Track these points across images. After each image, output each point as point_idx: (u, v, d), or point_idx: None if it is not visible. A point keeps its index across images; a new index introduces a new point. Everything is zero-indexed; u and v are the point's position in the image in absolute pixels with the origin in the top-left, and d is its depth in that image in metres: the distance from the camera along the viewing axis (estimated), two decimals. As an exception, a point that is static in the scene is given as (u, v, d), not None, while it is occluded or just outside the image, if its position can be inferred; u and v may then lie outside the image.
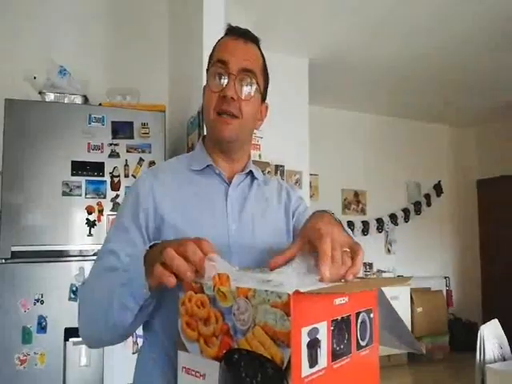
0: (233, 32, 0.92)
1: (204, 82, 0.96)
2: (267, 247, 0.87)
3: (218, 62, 0.88)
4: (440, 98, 4.99)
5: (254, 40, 0.94)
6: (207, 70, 0.95)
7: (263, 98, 0.96)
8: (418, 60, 3.99)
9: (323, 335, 0.48)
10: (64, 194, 2.09)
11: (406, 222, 5.61)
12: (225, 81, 0.87)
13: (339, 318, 0.52)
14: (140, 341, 2.08)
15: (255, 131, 1.02)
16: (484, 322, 1.99)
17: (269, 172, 3.59)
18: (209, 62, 0.94)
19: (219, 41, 0.95)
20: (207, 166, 0.93)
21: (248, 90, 0.89)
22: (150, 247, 0.70)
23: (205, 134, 1.03)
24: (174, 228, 0.84)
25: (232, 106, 0.86)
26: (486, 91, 4.78)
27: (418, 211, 5.71)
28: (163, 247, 0.63)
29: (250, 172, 0.97)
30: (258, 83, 0.91)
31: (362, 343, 0.56)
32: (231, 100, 0.86)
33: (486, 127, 6.03)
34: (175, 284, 0.60)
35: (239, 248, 0.86)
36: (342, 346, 0.52)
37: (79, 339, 1.98)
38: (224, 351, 0.49)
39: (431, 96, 4.94)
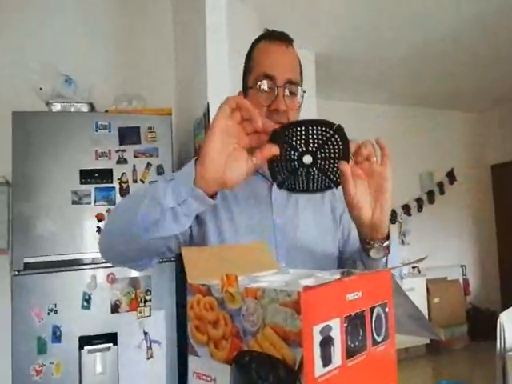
0: (271, 36, 0.97)
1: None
2: (312, 243, 0.94)
3: (264, 77, 0.93)
4: (451, 84, 4.90)
5: (291, 41, 0.99)
6: (245, 72, 1.01)
7: None
8: (428, 46, 3.92)
9: (336, 333, 0.47)
10: (74, 202, 2.10)
11: (420, 211, 5.54)
12: (273, 94, 0.92)
13: (353, 313, 0.50)
14: (154, 346, 2.08)
15: None
16: (503, 310, 1.95)
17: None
18: (249, 66, 0.99)
19: (258, 45, 0.99)
20: None
21: (296, 100, 0.95)
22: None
23: None
24: (222, 220, 0.92)
25: (283, 117, 0.92)
26: (499, 74, 4.68)
27: (431, 200, 5.64)
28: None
29: None
30: (301, 88, 0.97)
31: (378, 338, 0.54)
32: (282, 112, 0.92)
33: (498, 111, 5.92)
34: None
35: (285, 242, 0.93)
36: (356, 343, 0.50)
37: (94, 347, 1.99)
38: (234, 354, 0.48)
39: (442, 82, 4.86)
